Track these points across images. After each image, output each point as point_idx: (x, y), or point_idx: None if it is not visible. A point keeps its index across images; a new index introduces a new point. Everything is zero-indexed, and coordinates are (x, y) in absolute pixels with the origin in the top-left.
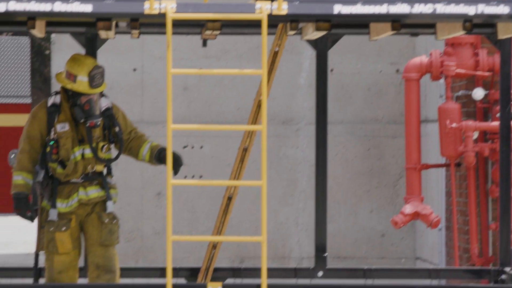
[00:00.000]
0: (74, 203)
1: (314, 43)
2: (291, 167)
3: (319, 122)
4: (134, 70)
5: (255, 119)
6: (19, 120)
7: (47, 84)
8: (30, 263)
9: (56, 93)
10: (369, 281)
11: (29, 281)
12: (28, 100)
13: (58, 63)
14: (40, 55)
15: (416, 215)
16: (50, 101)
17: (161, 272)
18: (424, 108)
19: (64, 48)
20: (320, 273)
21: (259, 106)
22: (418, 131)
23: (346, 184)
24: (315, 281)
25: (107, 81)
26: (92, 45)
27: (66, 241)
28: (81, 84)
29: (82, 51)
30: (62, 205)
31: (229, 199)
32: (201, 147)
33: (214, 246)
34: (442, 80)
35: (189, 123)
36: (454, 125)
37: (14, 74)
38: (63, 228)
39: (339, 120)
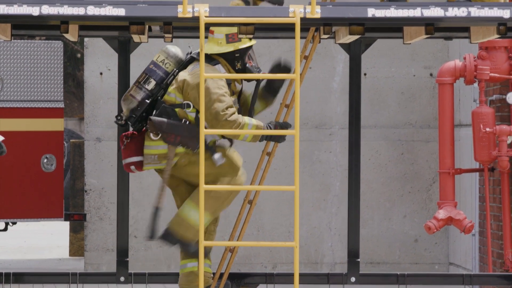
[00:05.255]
0: None
1: (347, 47)
2: (324, 171)
3: (352, 126)
4: None
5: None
6: (52, 124)
7: (80, 89)
8: (64, 268)
9: None
10: (402, 287)
11: (64, 286)
12: (61, 105)
13: (91, 67)
14: (73, 59)
15: (449, 220)
16: None
17: None
18: (457, 112)
19: (97, 52)
20: (353, 279)
21: (285, 108)
22: (452, 135)
23: (379, 189)
24: (348, 287)
25: None
26: (125, 49)
27: None
28: None
29: (115, 55)
30: None
31: (250, 202)
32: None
33: (231, 250)
34: (476, 84)
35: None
36: (488, 129)
37: (46, 78)
38: None
39: (372, 124)
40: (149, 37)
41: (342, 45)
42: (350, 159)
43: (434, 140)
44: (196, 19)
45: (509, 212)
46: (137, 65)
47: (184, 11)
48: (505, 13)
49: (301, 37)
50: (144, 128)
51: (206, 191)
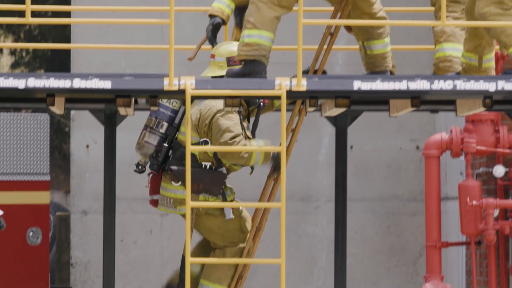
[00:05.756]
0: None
1: (333, 119)
2: (311, 244)
3: (339, 199)
4: None
5: (269, 196)
6: (38, 197)
7: (67, 161)
8: None
9: None
10: None
11: None
12: (47, 178)
13: (77, 140)
14: (59, 132)
15: None
16: None
17: None
18: (444, 185)
19: (83, 124)
20: None
21: (274, 181)
22: (438, 208)
23: (366, 262)
24: None
25: (126, 158)
26: (111, 122)
27: None
28: None
29: (101, 128)
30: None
31: (240, 278)
32: None
33: None
34: (462, 157)
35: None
36: (474, 202)
37: (33, 151)
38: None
39: (359, 197)
40: (135, 109)
41: (328, 117)
42: (336, 232)
43: (421, 213)
44: (182, 91)
45: (496, 286)
46: (124, 138)
47: (170, 83)
48: (491, 86)
49: (288, 110)
50: (165, 172)
51: (216, 257)
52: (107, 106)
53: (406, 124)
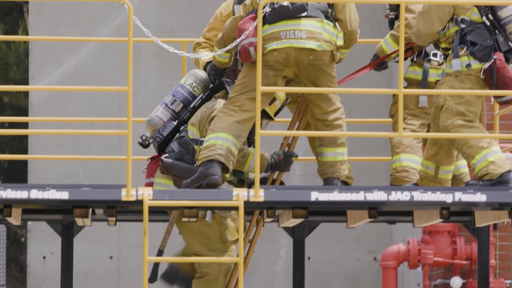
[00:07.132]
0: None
1: (291, 230)
2: None
3: None
4: (111, 257)
5: None
6: None
7: (23, 273)
8: None
9: None
10: None
11: None
12: None
13: (34, 251)
14: (15, 243)
15: None
16: None
17: None
18: None
19: (40, 235)
20: None
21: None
22: None
23: None
24: None
25: (83, 269)
26: (68, 232)
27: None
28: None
29: (58, 239)
30: None
31: None
32: None
33: None
34: (419, 269)
35: None
36: None
37: None
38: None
39: None
40: (92, 220)
41: (285, 228)
42: None
43: None
44: (140, 202)
45: None
46: (80, 248)
47: (127, 194)
48: (448, 198)
49: (245, 220)
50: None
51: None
52: (64, 217)
53: (364, 235)
